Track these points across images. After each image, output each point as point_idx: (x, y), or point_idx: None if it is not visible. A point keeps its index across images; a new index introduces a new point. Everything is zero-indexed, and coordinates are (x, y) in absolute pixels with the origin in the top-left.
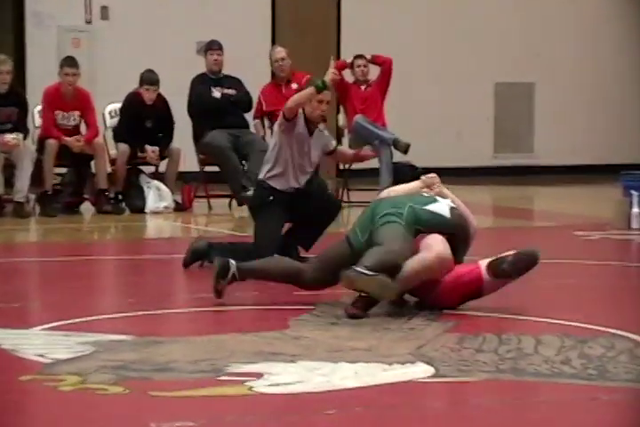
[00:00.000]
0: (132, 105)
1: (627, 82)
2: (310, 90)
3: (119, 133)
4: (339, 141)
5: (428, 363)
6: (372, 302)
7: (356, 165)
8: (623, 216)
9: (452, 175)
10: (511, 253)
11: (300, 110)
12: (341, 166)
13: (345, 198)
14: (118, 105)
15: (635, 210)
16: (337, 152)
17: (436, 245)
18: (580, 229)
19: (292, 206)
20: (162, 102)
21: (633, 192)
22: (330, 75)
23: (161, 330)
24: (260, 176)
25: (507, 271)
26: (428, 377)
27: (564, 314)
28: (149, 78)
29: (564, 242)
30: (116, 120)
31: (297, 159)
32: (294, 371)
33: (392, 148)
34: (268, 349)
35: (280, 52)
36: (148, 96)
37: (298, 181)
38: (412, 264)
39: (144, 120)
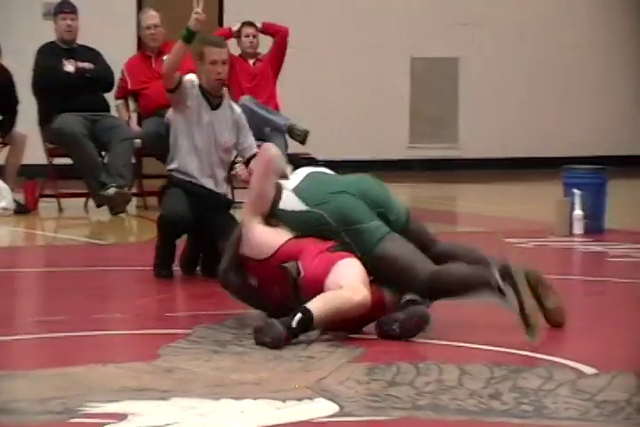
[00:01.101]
0: None
1: (574, 56)
2: (177, 44)
3: None
4: None
5: (330, 399)
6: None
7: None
8: (563, 220)
9: (359, 169)
10: (400, 313)
11: (194, 79)
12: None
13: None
14: None
15: (577, 212)
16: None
17: (359, 285)
18: (512, 236)
19: (197, 206)
20: (3, 76)
21: (575, 191)
22: (193, 19)
23: None
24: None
25: (395, 334)
26: (331, 416)
27: (494, 338)
28: None
29: (492, 251)
30: None
31: (200, 143)
32: (166, 411)
33: (287, 136)
34: (134, 383)
35: (152, 17)
36: None
37: (211, 177)
38: (336, 301)
39: None
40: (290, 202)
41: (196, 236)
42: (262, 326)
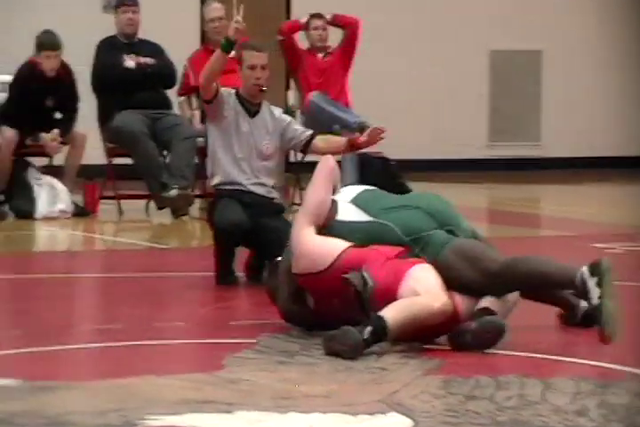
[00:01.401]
0: (28, 77)
1: None
2: (216, 54)
3: (5, 115)
4: None
5: (404, 414)
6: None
7: (313, 157)
8: None
9: (435, 170)
10: (474, 323)
11: (230, 89)
12: (292, 158)
13: (297, 200)
14: (6, 77)
15: None
16: (316, 144)
17: (439, 291)
18: (601, 241)
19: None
20: (66, 73)
21: None
22: (232, 27)
23: (55, 372)
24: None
25: (468, 346)
26: None
27: (581, 351)
28: (50, 41)
29: (580, 257)
30: (2, 97)
31: (240, 153)
32: (231, 424)
33: (358, 134)
34: (197, 395)
35: (216, 9)
36: (50, 65)
37: (258, 184)
38: (414, 308)
39: (43, 97)
40: (349, 212)
41: (256, 243)
42: (336, 333)
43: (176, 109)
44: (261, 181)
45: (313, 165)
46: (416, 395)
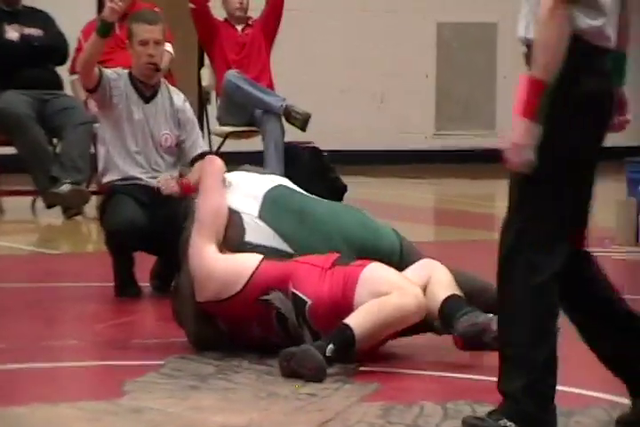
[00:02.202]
0: None
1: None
2: (92, 38)
3: None
4: (202, 109)
5: None
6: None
7: (232, 146)
8: (627, 225)
9: (373, 162)
10: (487, 318)
11: (121, 70)
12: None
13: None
14: None
15: None
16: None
17: (407, 284)
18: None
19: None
20: None
21: None
22: (107, 8)
23: None
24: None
25: (489, 345)
26: None
27: None
28: None
29: None
30: None
31: (131, 145)
32: None
33: (283, 120)
34: None
35: None
36: None
37: (152, 177)
38: (385, 311)
39: None
40: (261, 234)
41: (158, 248)
42: (295, 352)
43: (68, 90)
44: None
45: (233, 156)
46: (351, 425)
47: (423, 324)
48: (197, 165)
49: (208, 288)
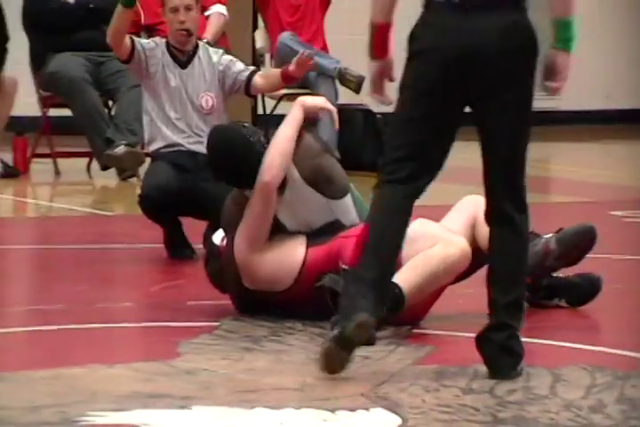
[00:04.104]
0: None
1: None
2: (117, 10)
3: None
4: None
5: (390, 409)
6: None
7: (285, 109)
8: None
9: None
10: (544, 242)
11: (159, 39)
12: (260, 109)
13: None
14: None
15: None
16: (255, 83)
17: (449, 235)
18: (620, 208)
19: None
20: None
21: None
22: None
23: None
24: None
25: (554, 268)
26: None
27: (597, 336)
28: None
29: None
30: None
31: (170, 111)
32: (187, 422)
33: (337, 82)
34: (147, 388)
35: None
36: None
37: (201, 143)
38: (430, 264)
39: None
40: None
41: (202, 212)
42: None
43: None
44: (203, 140)
45: (284, 118)
46: (404, 388)
47: (478, 262)
48: (296, 59)
49: (256, 284)
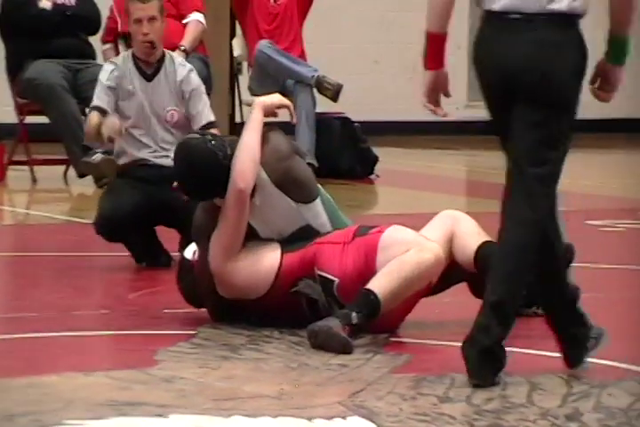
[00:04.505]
0: None
1: None
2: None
3: None
4: (233, 79)
5: (367, 418)
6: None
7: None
8: None
9: (405, 133)
10: None
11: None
12: (237, 117)
13: None
14: None
15: None
16: None
17: (422, 241)
18: (597, 217)
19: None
20: None
21: None
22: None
23: None
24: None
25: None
26: None
27: None
28: None
29: (571, 237)
30: None
31: (138, 127)
32: None
33: (314, 90)
34: (124, 396)
35: None
36: None
37: (168, 157)
38: (404, 269)
39: None
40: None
41: (172, 222)
42: (317, 332)
43: (100, 59)
44: (169, 154)
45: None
46: (382, 396)
47: (455, 276)
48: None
49: (232, 293)
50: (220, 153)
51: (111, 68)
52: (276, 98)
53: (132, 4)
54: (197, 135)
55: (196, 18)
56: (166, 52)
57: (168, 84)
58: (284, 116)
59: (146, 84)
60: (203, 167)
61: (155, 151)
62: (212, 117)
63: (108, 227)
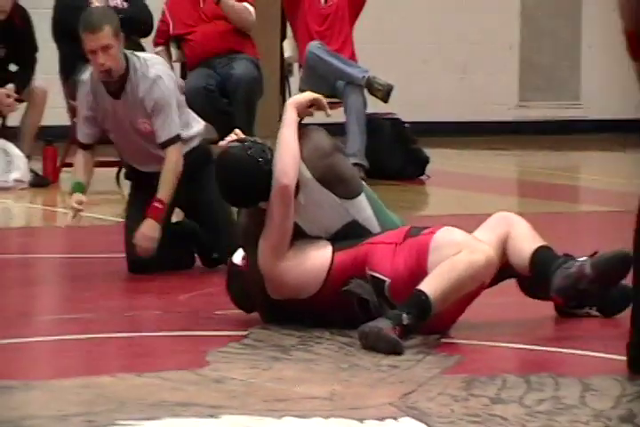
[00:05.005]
0: None
1: None
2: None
3: None
4: (284, 80)
5: (419, 419)
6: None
7: (313, 118)
8: None
9: (455, 134)
10: (579, 265)
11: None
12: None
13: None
14: None
15: None
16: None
17: (474, 242)
18: None
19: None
20: (20, 16)
21: None
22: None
23: (12, 369)
24: None
25: (588, 292)
26: None
27: (624, 345)
28: None
29: (625, 237)
30: None
31: (120, 141)
32: None
33: (365, 91)
34: (176, 397)
35: None
36: None
37: (157, 163)
38: (455, 271)
39: None
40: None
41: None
42: (367, 333)
43: None
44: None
45: (312, 123)
46: (433, 397)
47: (505, 275)
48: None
49: (283, 293)
50: (260, 159)
51: (85, 91)
52: (306, 95)
53: (84, 35)
54: (237, 144)
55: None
56: (131, 61)
57: (134, 98)
58: (336, 117)
59: (114, 101)
60: (243, 176)
61: (140, 165)
62: (172, 133)
63: (141, 269)
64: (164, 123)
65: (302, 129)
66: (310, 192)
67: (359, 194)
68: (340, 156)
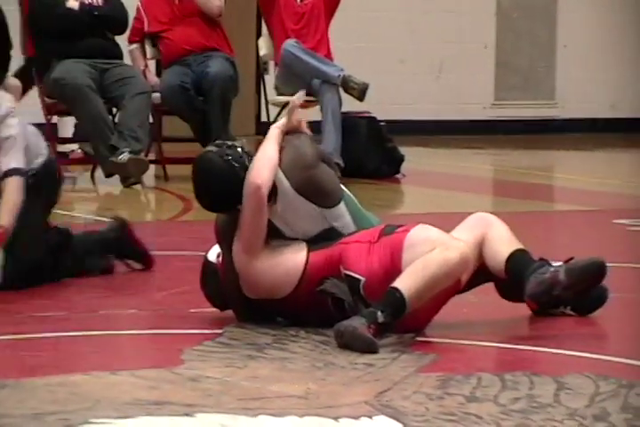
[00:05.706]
0: None
1: None
2: None
3: None
4: (260, 79)
5: (394, 417)
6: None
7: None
8: None
9: (431, 132)
10: (554, 271)
11: None
12: (264, 117)
13: None
14: None
15: None
16: None
17: (448, 239)
18: (625, 216)
19: None
20: None
21: None
22: None
23: None
24: None
25: (561, 297)
26: None
27: (602, 344)
28: None
29: (599, 236)
30: None
31: None
32: None
33: (340, 90)
34: (151, 395)
35: None
36: None
37: None
38: (429, 268)
39: None
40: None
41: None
42: (343, 332)
43: (127, 59)
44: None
45: None
46: (408, 396)
47: (482, 278)
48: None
49: (258, 292)
50: (237, 165)
51: None
52: (284, 121)
53: None
54: (213, 148)
55: None
56: None
57: None
58: (311, 116)
59: None
60: (218, 181)
61: None
62: (11, 165)
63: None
64: (5, 157)
65: (286, 136)
66: (288, 201)
67: (339, 202)
68: (322, 167)
